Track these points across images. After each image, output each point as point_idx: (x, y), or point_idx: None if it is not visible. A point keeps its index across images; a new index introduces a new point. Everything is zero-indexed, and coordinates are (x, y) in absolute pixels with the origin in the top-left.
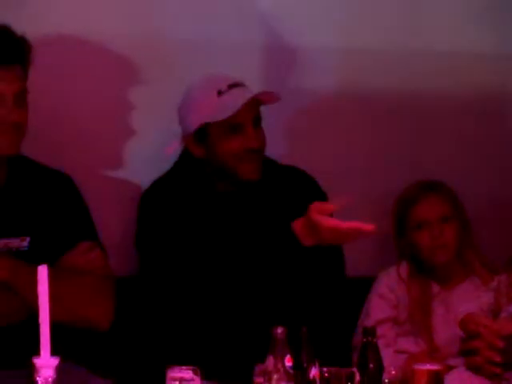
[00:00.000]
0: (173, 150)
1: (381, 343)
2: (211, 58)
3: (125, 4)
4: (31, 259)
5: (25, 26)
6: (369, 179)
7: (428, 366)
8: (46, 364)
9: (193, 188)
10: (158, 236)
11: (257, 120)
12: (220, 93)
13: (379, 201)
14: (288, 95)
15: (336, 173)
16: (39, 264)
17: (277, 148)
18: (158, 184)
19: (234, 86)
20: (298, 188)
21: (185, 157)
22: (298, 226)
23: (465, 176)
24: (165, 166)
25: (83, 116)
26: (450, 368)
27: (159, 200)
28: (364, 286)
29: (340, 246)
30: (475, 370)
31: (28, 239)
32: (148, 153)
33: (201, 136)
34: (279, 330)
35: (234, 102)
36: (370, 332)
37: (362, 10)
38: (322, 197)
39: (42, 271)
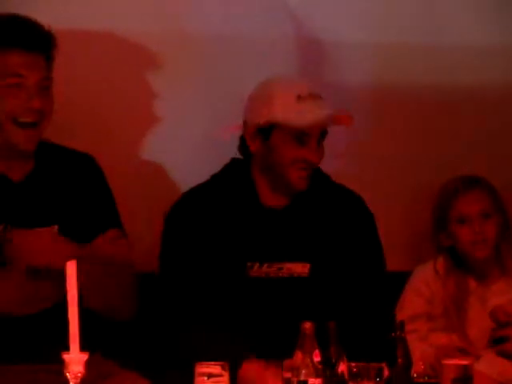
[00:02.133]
0: (230, 135)
1: (413, 338)
2: (237, 53)
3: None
4: None
5: (51, 16)
6: (401, 175)
7: (457, 360)
8: (76, 360)
9: (235, 201)
10: (184, 260)
11: (323, 135)
12: (299, 98)
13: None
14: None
15: (370, 168)
16: None
17: None
18: (192, 195)
19: (314, 95)
20: (346, 209)
21: (230, 167)
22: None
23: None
24: (189, 152)
25: (108, 105)
26: None
27: (191, 216)
28: (399, 280)
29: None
30: (505, 356)
31: (57, 227)
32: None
33: (264, 132)
34: (307, 325)
35: (314, 113)
36: (400, 327)
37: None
38: (369, 218)
39: (71, 266)
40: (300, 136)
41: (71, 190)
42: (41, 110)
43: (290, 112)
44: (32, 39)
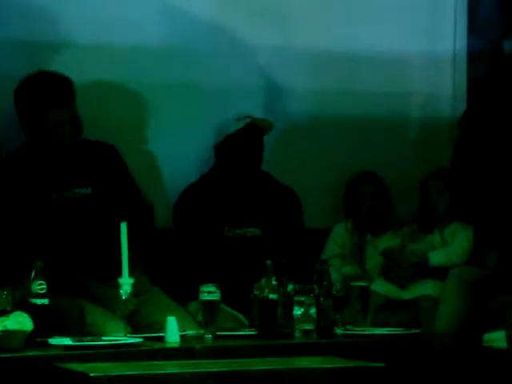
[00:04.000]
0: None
1: (331, 270)
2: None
3: None
4: (93, 202)
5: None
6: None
7: (360, 283)
8: (126, 282)
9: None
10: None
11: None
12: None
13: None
14: None
15: None
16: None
17: None
18: (191, 188)
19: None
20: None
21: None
22: None
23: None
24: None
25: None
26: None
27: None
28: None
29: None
30: (390, 281)
31: (90, 188)
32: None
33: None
34: (268, 262)
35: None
36: (324, 262)
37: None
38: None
39: (123, 226)
40: None
41: (99, 163)
42: (74, 137)
43: None
44: (58, 97)
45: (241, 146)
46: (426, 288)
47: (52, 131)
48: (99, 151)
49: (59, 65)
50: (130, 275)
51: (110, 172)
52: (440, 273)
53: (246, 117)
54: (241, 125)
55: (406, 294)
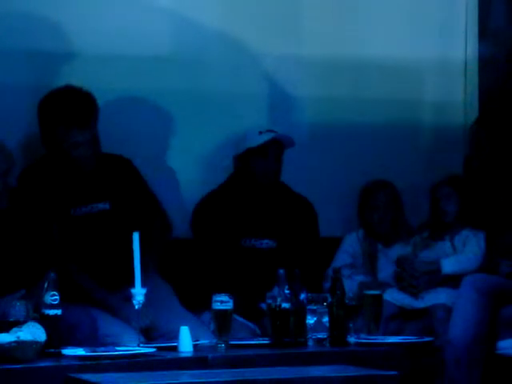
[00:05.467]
0: None
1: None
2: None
3: None
4: (112, 217)
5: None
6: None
7: (372, 292)
8: (139, 292)
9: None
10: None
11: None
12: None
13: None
14: None
15: None
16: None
17: None
18: (209, 197)
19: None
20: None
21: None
22: None
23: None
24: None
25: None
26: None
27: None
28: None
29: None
30: (403, 290)
31: (108, 203)
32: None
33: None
34: (281, 272)
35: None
36: (337, 271)
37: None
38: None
39: (135, 236)
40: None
41: (118, 179)
42: (92, 156)
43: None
44: (79, 116)
45: (261, 161)
46: (439, 296)
47: (70, 151)
48: (116, 165)
49: (68, 75)
50: (143, 285)
51: (128, 186)
52: (453, 281)
53: (269, 131)
54: (263, 139)
55: (419, 303)
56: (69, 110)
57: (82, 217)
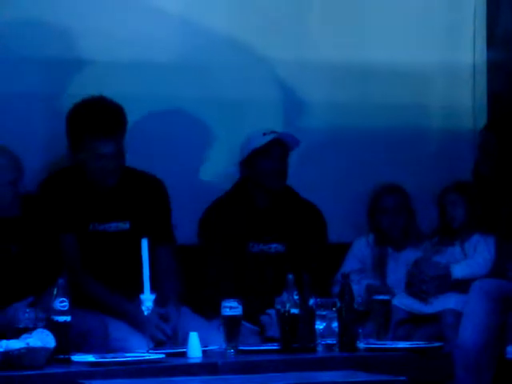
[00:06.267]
0: None
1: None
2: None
3: None
4: (130, 238)
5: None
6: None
7: (381, 297)
8: (148, 298)
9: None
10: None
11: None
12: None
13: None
14: None
15: None
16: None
17: None
18: (214, 205)
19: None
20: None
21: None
22: None
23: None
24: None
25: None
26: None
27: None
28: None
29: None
30: (413, 296)
31: (128, 222)
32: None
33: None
34: (290, 277)
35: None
36: (346, 276)
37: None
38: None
39: (144, 243)
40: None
41: (141, 198)
42: (116, 170)
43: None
44: (108, 126)
45: (266, 162)
46: (448, 302)
47: (94, 161)
48: (144, 184)
49: (79, 82)
50: (152, 292)
51: (152, 209)
52: (463, 286)
53: (272, 132)
54: (266, 139)
55: (429, 308)
56: (97, 119)
57: (99, 234)
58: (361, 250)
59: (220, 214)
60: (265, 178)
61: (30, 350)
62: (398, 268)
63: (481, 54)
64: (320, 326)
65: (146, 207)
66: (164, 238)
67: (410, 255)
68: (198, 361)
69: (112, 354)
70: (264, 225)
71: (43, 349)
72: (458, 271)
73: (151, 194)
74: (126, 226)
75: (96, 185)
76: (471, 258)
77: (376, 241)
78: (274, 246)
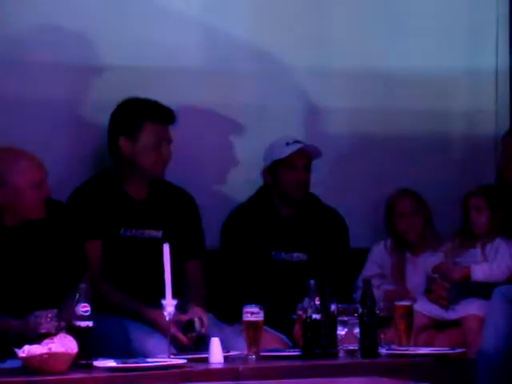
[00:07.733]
0: None
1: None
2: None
3: None
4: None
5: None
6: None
7: (403, 303)
8: (170, 304)
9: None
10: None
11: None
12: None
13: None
14: None
15: None
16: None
17: None
18: (238, 211)
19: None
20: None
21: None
22: None
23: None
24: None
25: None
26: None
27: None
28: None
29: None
30: (433, 301)
31: (161, 231)
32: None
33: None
34: (312, 282)
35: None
36: (368, 282)
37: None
38: (345, 227)
39: (166, 247)
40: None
41: (173, 211)
42: (168, 159)
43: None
44: (170, 116)
45: (289, 172)
46: (470, 307)
47: (155, 147)
48: (178, 198)
49: (101, 87)
50: (174, 297)
51: (185, 222)
52: (484, 292)
53: (296, 141)
54: (290, 150)
55: (451, 314)
56: (158, 106)
57: (130, 238)
58: (379, 255)
59: (243, 220)
60: (288, 188)
61: (52, 355)
62: (416, 272)
63: (503, 58)
64: (341, 331)
65: (179, 220)
66: (195, 254)
67: (428, 259)
68: (219, 366)
69: (133, 359)
70: (287, 234)
71: (65, 354)
72: (479, 273)
73: (184, 208)
74: (158, 234)
75: (133, 190)
76: (493, 261)
77: (393, 245)
78: (297, 255)
